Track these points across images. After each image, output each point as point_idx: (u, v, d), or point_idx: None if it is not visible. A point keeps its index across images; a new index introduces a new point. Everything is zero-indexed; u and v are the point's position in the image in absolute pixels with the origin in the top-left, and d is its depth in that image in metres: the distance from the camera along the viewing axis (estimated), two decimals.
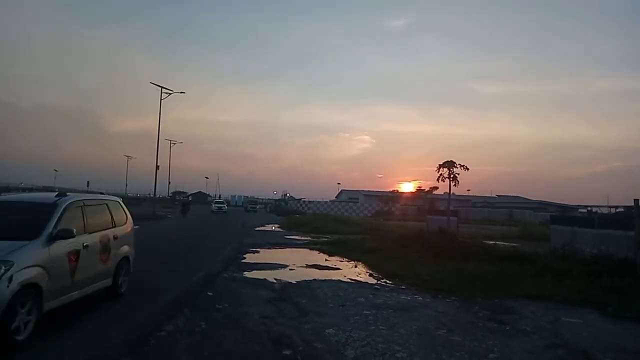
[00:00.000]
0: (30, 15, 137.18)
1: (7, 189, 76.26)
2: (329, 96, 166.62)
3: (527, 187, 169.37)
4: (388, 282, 10.42)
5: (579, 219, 17.82)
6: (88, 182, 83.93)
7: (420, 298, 8.65)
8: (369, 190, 75.58)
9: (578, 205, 56.55)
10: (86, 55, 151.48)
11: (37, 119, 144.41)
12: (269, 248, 17.33)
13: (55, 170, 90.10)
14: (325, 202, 70.61)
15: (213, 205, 59.23)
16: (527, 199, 72.61)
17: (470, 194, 67.05)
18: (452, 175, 20.51)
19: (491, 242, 16.55)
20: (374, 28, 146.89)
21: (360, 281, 10.55)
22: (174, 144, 62.14)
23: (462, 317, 7.23)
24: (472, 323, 6.86)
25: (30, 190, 72.59)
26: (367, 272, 11.89)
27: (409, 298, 8.65)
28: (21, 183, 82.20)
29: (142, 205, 61.15)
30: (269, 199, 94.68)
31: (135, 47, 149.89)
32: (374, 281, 10.56)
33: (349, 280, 10.55)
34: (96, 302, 7.05)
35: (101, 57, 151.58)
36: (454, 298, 8.58)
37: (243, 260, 13.49)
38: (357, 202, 68.56)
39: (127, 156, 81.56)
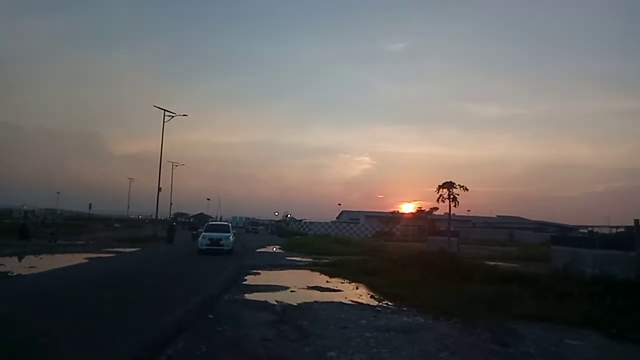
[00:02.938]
0: (34, 39, 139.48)
1: (10, 211, 76.50)
2: (329, 118, 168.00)
3: (527, 207, 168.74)
4: (389, 303, 10.36)
5: (580, 239, 17.80)
6: (90, 204, 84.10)
7: (421, 320, 8.59)
8: (369, 211, 75.48)
9: (578, 226, 56.43)
10: (90, 78, 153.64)
11: (40, 141, 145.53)
12: (270, 269, 17.27)
13: (58, 193, 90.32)
14: (326, 223, 70.46)
15: (202, 238, 24.17)
16: (527, 219, 72.36)
17: (470, 215, 66.88)
18: (452, 196, 20.69)
19: (492, 263, 16.50)
20: (374, 51, 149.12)
21: (362, 303, 10.49)
22: (176, 166, 62.33)
23: (464, 340, 7.18)
24: (475, 345, 6.82)
25: (33, 212, 72.75)
26: (368, 294, 11.83)
27: (410, 320, 8.60)
28: (24, 205, 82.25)
29: (143, 227, 61.36)
30: (270, 220, 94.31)
31: (139, 71, 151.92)
32: (376, 303, 10.50)
33: (351, 302, 10.49)
34: None
35: (104, 80, 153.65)
36: (455, 320, 8.53)
37: (244, 282, 13.43)
38: (358, 223, 68.40)
39: (130, 178, 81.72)
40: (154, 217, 49.99)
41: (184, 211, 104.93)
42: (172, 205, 74.88)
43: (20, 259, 18.58)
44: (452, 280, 12.39)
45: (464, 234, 35.13)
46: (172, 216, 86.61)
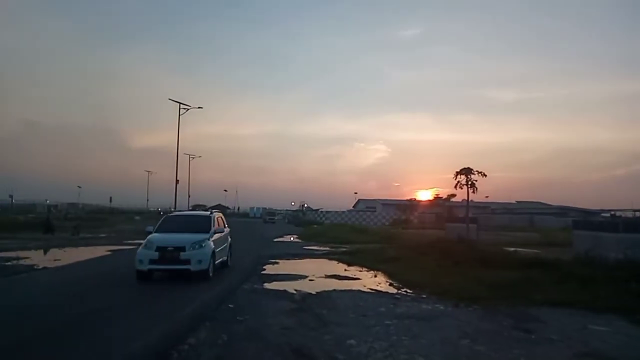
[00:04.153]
0: (52, 36, 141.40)
1: (34, 206, 78.51)
2: (343, 107, 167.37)
3: (547, 192, 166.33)
4: (408, 291, 10.33)
5: (602, 223, 17.42)
6: (111, 197, 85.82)
7: (441, 307, 8.55)
8: (386, 199, 75.16)
9: (600, 210, 55.37)
10: (106, 73, 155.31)
11: (61, 137, 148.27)
12: (288, 259, 17.38)
13: (79, 187, 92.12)
14: (343, 212, 70.45)
15: (143, 247, 11.16)
16: (548, 205, 71.20)
17: (489, 201, 65.90)
18: (470, 182, 20.35)
19: (512, 249, 16.30)
20: (387, 38, 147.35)
21: (381, 291, 10.49)
22: (193, 158, 62.79)
23: (485, 326, 7.13)
24: (497, 332, 6.76)
25: (56, 207, 74.51)
26: (387, 282, 11.82)
27: (430, 307, 8.56)
28: (47, 200, 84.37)
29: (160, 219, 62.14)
30: (286, 209, 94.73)
31: (154, 65, 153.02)
32: (394, 291, 10.49)
33: (369, 290, 10.50)
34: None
35: (121, 75, 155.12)
36: (476, 307, 8.46)
37: (263, 272, 13.54)
38: (375, 211, 68.24)
39: (148, 171, 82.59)
40: (172, 209, 50.65)
41: (202, 203, 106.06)
42: (190, 197, 75.92)
43: (45, 253, 19.07)
44: (472, 267, 12.27)
45: (482, 221, 34.65)
46: (190, 208, 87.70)
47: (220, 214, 14.08)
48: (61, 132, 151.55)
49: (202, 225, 11.99)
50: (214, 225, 12.16)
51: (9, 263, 14.80)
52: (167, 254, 10.59)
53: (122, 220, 55.18)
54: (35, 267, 14.14)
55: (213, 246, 11.34)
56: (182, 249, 10.62)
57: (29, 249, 19.84)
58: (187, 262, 10.55)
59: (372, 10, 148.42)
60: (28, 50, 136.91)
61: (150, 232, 11.68)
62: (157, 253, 10.55)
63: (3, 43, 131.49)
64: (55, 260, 16.13)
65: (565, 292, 9.07)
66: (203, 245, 10.96)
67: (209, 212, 13.39)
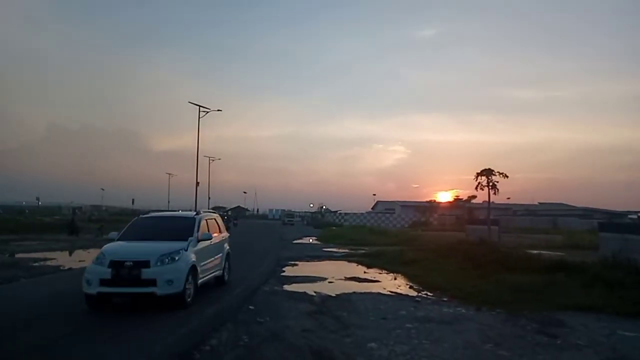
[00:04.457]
0: (76, 43, 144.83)
1: (59, 208, 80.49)
2: (361, 108, 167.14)
3: (571, 193, 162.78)
4: (429, 294, 10.23)
5: (630, 225, 16.96)
6: (133, 199, 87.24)
7: (463, 310, 8.43)
8: (405, 201, 74.50)
9: (627, 212, 53.77)
10: (129, 78, 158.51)
11: (85, 140, 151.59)
12: (308, 261, 17.40)
13: (102, 189, 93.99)
14: (362, 213, 70.11)
15: (95, 261, 8.13)
16: (572, 206, 69.57)
17: (510, 202, 64.96)
18: (491, 184, 20.09)
19: (535, 252, 15.97)
20: (405, 39, 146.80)
21: (401, 293, 10.40)
22: (213, 160, 63.40)
23: (509, 331, 7.00)
24: (520, 337, 6.63)
25: (80, 208, 76.28)
26: (407, 284, 11.72)
27: (451, 311, 8.45)
28: (72, 202, 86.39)
29: None
30: (305, 211, 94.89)
31: (175, 69, 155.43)
32: (415, 293, 10.39)
33: (389, 293, 10.43)
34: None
35: (143, 79, 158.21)
36: (499, 310, 8.32)
37: (282, 273, 13.59)
38: (394, 213, 67.74)
39: (169, 174, 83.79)
40: (192, 211, 51.32)
41: (222, 204, 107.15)
42: (211, 199, 76.73)
43: (70, 254, 19.51)
44: (493, 270, 12.07)
45: (504, 223, 34.15)
46: (210, 209, 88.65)
47: (216, 216, 11.44)
48: (85, 136, 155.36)
49: (180, 230, 8.97)
50: (197, 231, 9.05)
51: (37, 264, 15.22)
52: (123, 271, 7.58)
53: None
54: (61, 267, 14.49)
55: (193, 259, 8.33)
56: (145, 264, 7.62)
57: (55, 250, 20.34)
58: (152, 282, 7.53)
59: (389, 12, 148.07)
60: (53, 57, 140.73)
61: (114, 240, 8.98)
62: (109, 270, 7.58)
63: (29, 51, 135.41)
64: (79, 261, 16.47)
65: (592, 296, 8.83)
66: (176, 258, 7.93)
67: (193, 213, 10.36)
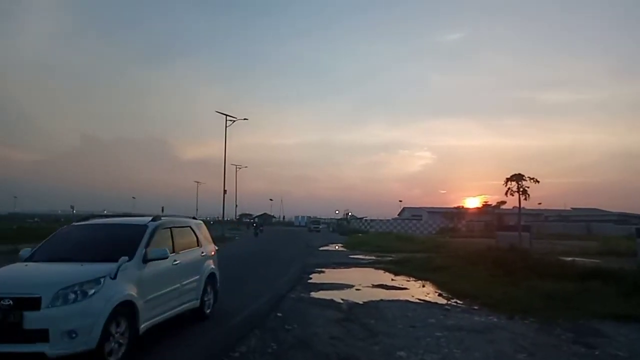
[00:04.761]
0: (108, 56, 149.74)
1: (92, 216, 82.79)
2: (386, 114, 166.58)
3: (605, 198, 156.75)
4: (459, 302, 10.03)
5: None
6: (162, 207, 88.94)
7: (494, 319, 8.23)
8: (432, 207, 73.62)
9: None
10: (158, 89, 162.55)
11: (117, 150, 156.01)
12: (334, 268, 17.34)
13: (133, 198, 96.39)
14: (388, 220, 69.58)
15: None
16: (606, 211, 67.22)
17: (541, 208, 63.30)
18: (521, 189, 19.65)
19: (569, 259, 15.48)
20: (430, 44, 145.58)
21: (429, 301, 10.24)
22: (240, 168, 64.24)
23: (543, 340, 6.79)
24: (555, 346, 6.42)
25: (113, 217, 78.18)
26: (435, 292, 11.54)
27: (482, 319, 8.26)
28: (104, 210, 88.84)
29: (210, 228, 64.20)
30: (331, 218, 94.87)
31: (201, 78, 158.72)
32: (444, 301, 10.22)
33: (418, 301, 10.28)
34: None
35: (171, 90, 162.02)
36: (532, 319, 8.08)
37: (309, 281, 13.58)
38: (421, 220, 66.97)
39: (197, 182, 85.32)
40: (220, 218, 52.01)
41: (248, 212, 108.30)
42: (238, 207, 77.66)
43: None
44: (525, 277, 11.77)
45: (535, 229, 33.29)
46: (237, 217, 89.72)
47: (195, 222, 8.47)
48: (117, 146, 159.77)
49: (120, 245, 6.06)
50: (146, 246, 6.17)
51: None
52: None
53: None
54: None
55: (126, 292, 5.42)
56: (32, 303, 4.76)
57: None
58: (40, 335, 4.66)
59: (414, 17, 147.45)
60: (86, 72, 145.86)
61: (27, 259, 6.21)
62: None
63: (63, 65, 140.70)
64: None
65: (631, 305, 8.48)
66: (90, 292, 5.03)
67: (147, 220, 6.93)
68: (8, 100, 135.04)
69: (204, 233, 8.53)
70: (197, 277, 7.56)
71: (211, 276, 8.17)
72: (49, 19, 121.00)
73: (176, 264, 6.82)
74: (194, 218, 9.37)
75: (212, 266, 8.36)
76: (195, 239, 7.98)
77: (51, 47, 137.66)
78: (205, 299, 7.83)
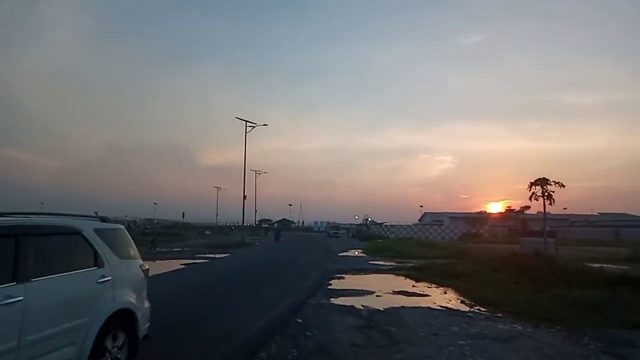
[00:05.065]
0: (130, 64, 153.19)
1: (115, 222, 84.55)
2: (406, 118, 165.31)
3: (634, 203, 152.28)
4: (482, 309, 9.85)
5: None
6: (183, 213, 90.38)
7: (520, 327, 8.04)
8: (454, 212, 72.82)
9: None
10: (178, 96, 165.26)
11: (139, 157, 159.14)
12: (354, 274, 17.25)
13: (155, 204, 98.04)
14: (408, 225, 69.05)
15: None
16: (635, 216, 65.37)
17: (567, 213, 61.93)
18: (546, 194, 19.22)
19: (596, 265, 15.05)
20: (449, 46, 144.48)
21: (452, 308, 10.08)
22: (259, 174, 64.80)
23: (570, 350, 6.59)
24: (584, 356, 6.22)
25: (134, 222, 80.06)
26: (458, 299, 11.35)
27: (507, 327, 8.08)
28: (126, 216, 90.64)
29: (230, 234, 64.82)
30: (350, 223, 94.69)
31: (221, 85, 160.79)
32: (467, 308, 10.04)
33: (440, 308, 10.13)
34: None
35: (191, 96, 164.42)
36: (558, 328, 7.87)
37: (329, 287, 13.53)
38: (442, 225, 66.26)
39: (217, 187, 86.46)
40: (240, 224, 52.39)
41: (268, 217, 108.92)
42: (257, 212, 78.22)
43: None
44: (551, 284, 11.48)
45: (561, 234, 32.53)
46: (257, 222, 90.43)
47: (90, 227, 5.03)
48: (139, 153, 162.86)
49: None
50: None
51: None
52: None
53: (194, 235, 57.87)
54: None
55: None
56: None
57: None
58: None
59: (434, 20, 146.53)
60: (109, 79, 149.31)
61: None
62: None
63: (87, 73, 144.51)
64: None
65: None
66: None
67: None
68: (34, 109, 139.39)
69: (117, 244, 5.42)
70: (82, 320, 4.36)
71: (120, 316, 4.91)
72: (72, 28, 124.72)
73: (15, 302, 3.67)
74: (99, 219, 5.51)
75: (129, 298, 5.16)
76: (90, 254, 4.85)
77: (75, 56, 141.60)
78: (103, 356, 4.57)
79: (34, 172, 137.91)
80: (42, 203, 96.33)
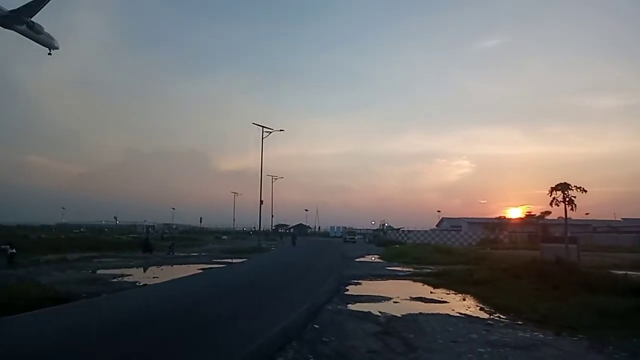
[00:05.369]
0: (148, 71, 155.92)
1: (134, 227, 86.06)
2: (422, 123, 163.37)
3: None
4: (502, 316, 9.67)
5: None
6: (201, 218, 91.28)
7: (541, 335, 7.87)
8: (472, 218, 71.78)
9: None
10: (196, 102, 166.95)
11: (157, 162, 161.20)
12: (371, 280, 17.15)
13: (173, 209, 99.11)
14: (425, 231, 68.38)
15: None
16: None
17: (589, 218, 60.51)
18: (567, 199, 18.86)
19: (621, 273, 14.66)
20: (466, 50, 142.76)
21: (471, 315, 9.93)
22: (275, 179, 65.01)
23: (594, 359, 6.42)
24: None
25: (153, 227, 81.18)
26: (477, 306, 11.18)
27: (528, 335, 7.91)
28: (145, 221, 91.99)
29: (247, 239, 65.19)
30: (366, 229, 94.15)
31: (237, 90, 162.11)
32: (486, 316, 9.87)
33: (458, 314, 9.99)
34: None
35: (208, 102, 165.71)
36: (581, 336, 7.67)
37: (346, 292, 13.47)
38: (460, 231, 65.40)
39: (234, 193, 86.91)
40: (256, 229, 52.66)
41: (284, 222, 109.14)
42: (274, 217, 78.43)
43: (144, 270, 20.67)
44: (572, 292, 11.23)
45: (583, 240, 31.83)
46: (273, 227, 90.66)
47: None
48: (158, 159, 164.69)
49: None
50: None
51: (115, 280, 16.28)
52: None
53: (211, 240, 58.37)
54: (136, 284, 15.36)
55: None
56: None
57: (131, 267, 21.63)
58: None
59: (450, 24, 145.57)
60: (129, 86, 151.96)
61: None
62: None
63: (107, 81, 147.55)
64: (153, 277, 17.41)
65: None
66: None
67: None
68: (56, 117, 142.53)
69: None
70: None
71: None
72: (93, 37, 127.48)
73: None
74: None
75: None
76: None
77: (96, 64, 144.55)
78: None
79: (56, 178, 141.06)
80: (63, 208, 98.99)
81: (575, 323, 8.43)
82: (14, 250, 21.35)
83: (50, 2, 31.87)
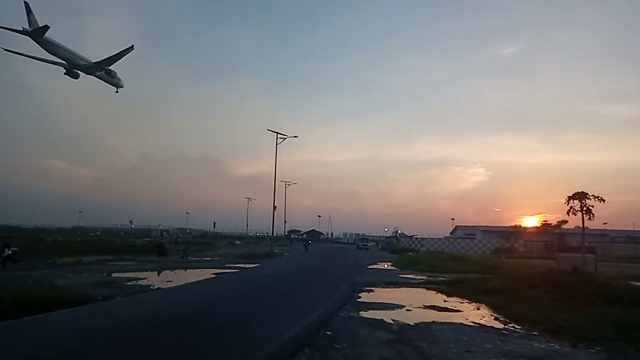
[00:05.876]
0: (163, 78, 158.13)
1: (149, 230, 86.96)
2: (437, 129, 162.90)
3: None
4: (517, 326, 9.54)
5: None
6: (214, 223, 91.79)
7: (557, 347, 7.74)
8: (486, 226, 71.02)
9: None
10: (211, 108, 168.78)
11: (172, 167, 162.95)
12: (384, 287, 17.06)
13: (187, 213, 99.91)
14: (439, 238, 67.77)
15: None
16: None
17: (607, 228, 59.38)
18: (584, 208, 18.55)
19: (639, 284, 14.37)
20: (483, 57, 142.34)
21: (485, 325, 9.81)
22: (289, 185, 65.17)
23: None
24: None
25: (167, 231, 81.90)
26: (491, 315, 11.04)
27: (543, 346, 7.79)
28: (159, 225, 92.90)
29: (260, 244, 65.43)
30: (379, 235, 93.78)
31: (251, 96, 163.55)
32: (501, 325, 9.74)
33: (472, 324, 9.87)
34: None
35: (223, 108, 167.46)
36: (598, 348, 7.53)
37: (358, 299, 13.42)
38: (474, 239, 64.66)
39: (247, 198, 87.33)
40: (269, 234, 52.83)
41: (297, 228, 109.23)
42: (287, 223, 78.56)
43: (159, 274, 20.85)
44: (590, 302, 11.02)
45: (601, 250, 31.21)
46: (286, 233, 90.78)
47: None
48: (172, 163, 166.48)
49: None
50: None
51: (130, 283, 16.46)
52: None
53: (225, 245, 58.68)
54: (151, 287, 15.51)
55: None
56: None
57: (146, 270, 21.85)
58: None
59: (466, 30, 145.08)
60: (143, 92, 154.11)
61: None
62: None
63: (123, 87, 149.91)
64: (167, 281, 17.55)
65: None
66: None
67: None
68: (73, 121, 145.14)
69: None
70: None
71: None
72: (108, 42, 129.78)
73: None
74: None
75: None
76: None
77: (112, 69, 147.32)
78: None
79: (74, 182, 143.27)
80: (80, 211, 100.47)
81: (593, 334, 8.27)
82: (10, 252, 21.04)
83: (123, 55, 36.59)
